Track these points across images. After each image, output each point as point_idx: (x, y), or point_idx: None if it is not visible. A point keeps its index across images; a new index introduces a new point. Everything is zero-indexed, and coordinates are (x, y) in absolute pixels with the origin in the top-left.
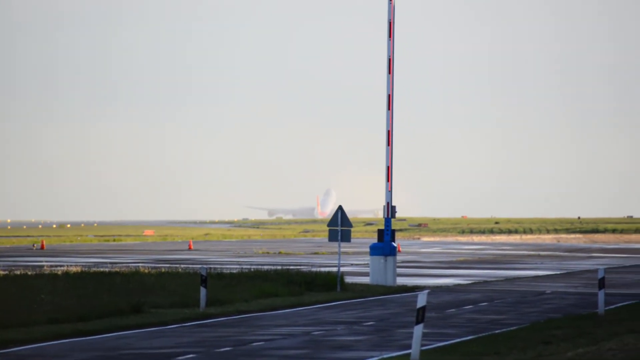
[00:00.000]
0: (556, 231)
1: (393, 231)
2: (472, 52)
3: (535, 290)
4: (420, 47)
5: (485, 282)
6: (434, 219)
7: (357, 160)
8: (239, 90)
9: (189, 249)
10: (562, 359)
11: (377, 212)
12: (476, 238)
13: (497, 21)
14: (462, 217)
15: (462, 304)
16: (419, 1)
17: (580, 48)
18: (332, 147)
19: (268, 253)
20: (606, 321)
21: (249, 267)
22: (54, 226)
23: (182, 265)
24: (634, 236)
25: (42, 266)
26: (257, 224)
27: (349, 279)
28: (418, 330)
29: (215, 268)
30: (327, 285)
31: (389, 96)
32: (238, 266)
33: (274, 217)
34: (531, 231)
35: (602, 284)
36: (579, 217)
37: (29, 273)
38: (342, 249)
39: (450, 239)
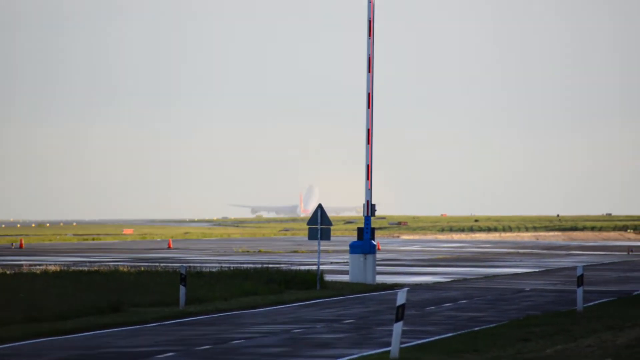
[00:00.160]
0: (535, 229)
1: (373, 229)
2: (451, 50)
3: (515, 287)
4: (400, 45)
5: (465, 279)
6: (414, 217)
7: (340, 158)
8: (221, 88)
9: (169, 247)
10: (541, 356)
11: (360, 210)
12: (456, 236)
13: (477, 19)
14: (442, 215)
15: (442, 301)
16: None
17: (543, 47)
18: (315, 145)
19: (248, 252)
20: (585, 318)
21: (228, 265)
22: (33, 225)
23: (162, 264)
24: (612, 234)
25: (21, 265)
26: (237, 223)
27: (328, 277)
28: (398, 328)
29: (194, 267)
30: (307, 283)
31: (368, 95)
32: (218, 265)
33: (257, 214)
34: (510, 229)
35: (580, 281)
36: (558, 215)
37: (8, 272)
38: (321, 247)
39: (429, 237)
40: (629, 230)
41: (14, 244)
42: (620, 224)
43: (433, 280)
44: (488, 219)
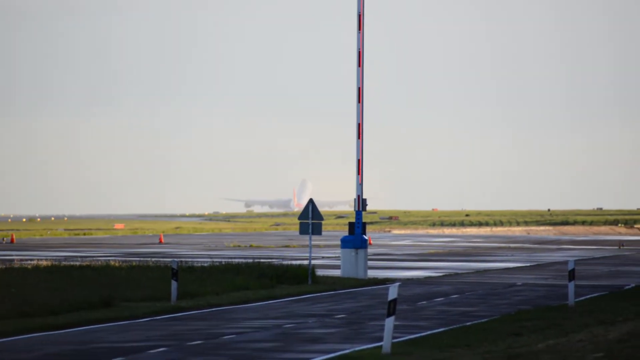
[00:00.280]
0: (526, 223)
1: (364, 224)
2: (443, 45)
3: (506, 282)
4: (391, 39)
5: (456, 274)
6: (405, 212)
7: (333, 152)
8: (213, 82)
9: (160, 242)
10: (533, 351)
11: (353, 204)
12: (447, 230)
13: (472, 14)
14: (433, 209)
15: (433, 296)
16: None
17: (538, 46)
18: (309, 139)
19: (239, 246)
20: (576, 313)
21: (220, 260)
22: (24, 220)
23: (153, 259)
24: (603, 228)
25: (12, 260)
26: (229, 217)
27: (320, 272)
28: (389, 322)
29: (186, 261)
30: (299, 278)
31: (359, 89)
32: (209, 259)
33: (249, 209)
34: (501, 223)
35: (572, 275)
36: (549, 209)
37: None
38: (313, 242)
39: (421, 231)
40: (619, 225)
41: (4, 238)
42: (611, 218)
43: (424, 275)
44: (479, 213)
